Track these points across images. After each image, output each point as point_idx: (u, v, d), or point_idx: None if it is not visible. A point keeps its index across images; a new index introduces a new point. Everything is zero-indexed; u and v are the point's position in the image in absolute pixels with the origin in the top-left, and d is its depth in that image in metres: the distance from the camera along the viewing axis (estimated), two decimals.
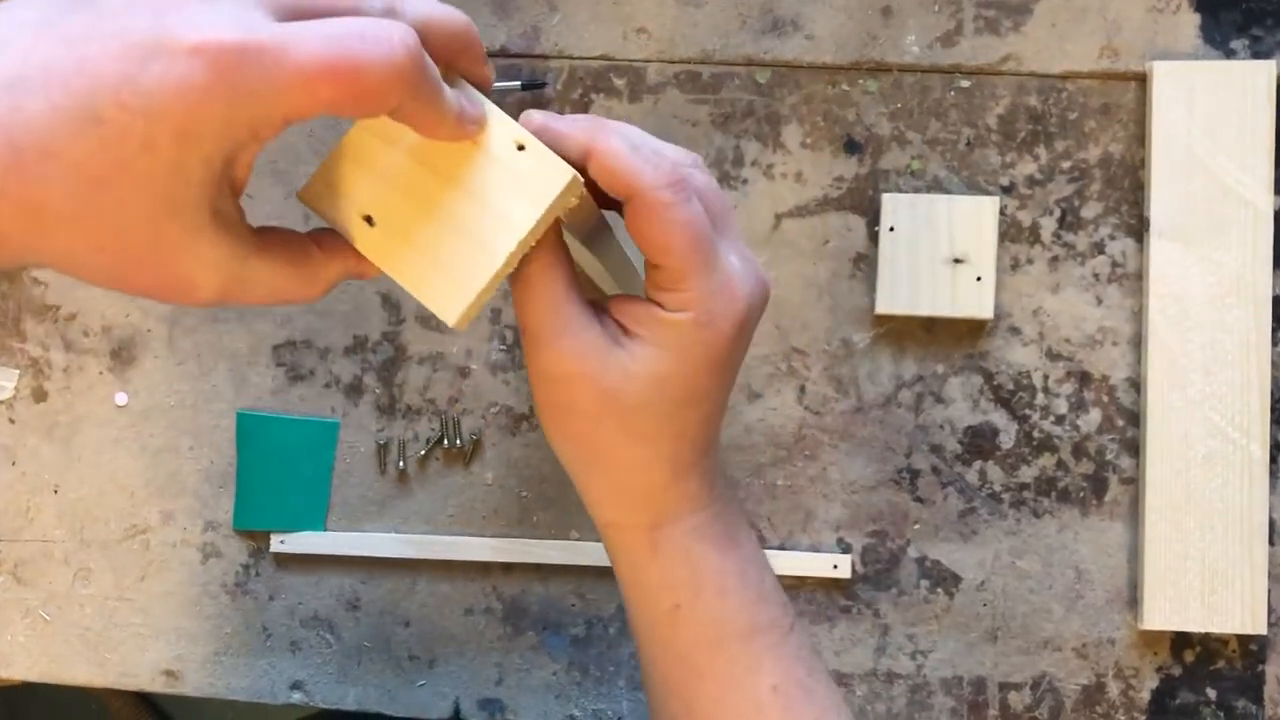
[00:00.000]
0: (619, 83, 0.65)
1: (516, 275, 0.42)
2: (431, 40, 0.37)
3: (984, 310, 0.62)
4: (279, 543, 0.65)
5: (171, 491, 0.66)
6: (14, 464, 0.66)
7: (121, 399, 0.66)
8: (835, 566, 0.63)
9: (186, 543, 0.65)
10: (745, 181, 0.64)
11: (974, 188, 0.63)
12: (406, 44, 0.34)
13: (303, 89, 0.33)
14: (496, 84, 0.64)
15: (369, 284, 0.65)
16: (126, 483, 0.66)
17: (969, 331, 0.63)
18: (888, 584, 0.63)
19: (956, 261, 0.62)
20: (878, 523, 0.63)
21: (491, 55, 0.65)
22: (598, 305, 0.45)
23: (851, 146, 0.64)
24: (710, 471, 0.47)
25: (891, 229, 0.62)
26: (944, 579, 0.63)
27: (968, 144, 0.64)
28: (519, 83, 0.64)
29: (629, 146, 0.40)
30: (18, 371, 0.66)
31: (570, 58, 0.65)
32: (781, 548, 0.64)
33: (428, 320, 0.65)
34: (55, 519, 0.66)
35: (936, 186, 0.64)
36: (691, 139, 0.64)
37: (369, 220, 0.39)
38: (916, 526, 0.63)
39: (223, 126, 0.33)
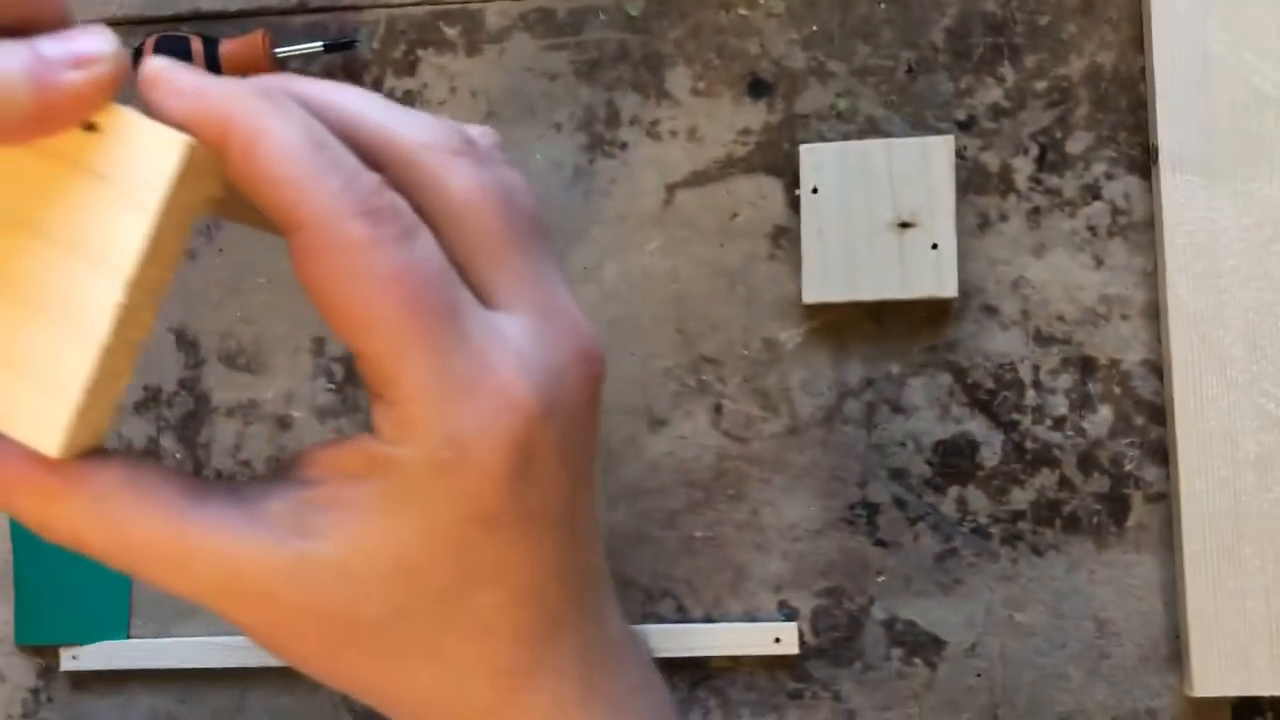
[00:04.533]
0: (451, 32, 0.50)
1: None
2: None
3: (945, 287, 0.46)
4: (71, 658, 0.51)
5: None
6: None
7: None
8: (778, 639, 0.48)
9: None
10: (624, 146, 0.49)
11: (921, 127, 0.48)
12: None
13: None
14: (294, 47, 0.49)
15: (159, 320, 0.51)
16: None
17: (929, 317, 0.48)
18: (849, 657, 0.48)
19: (904, 226, 0.47)
20: (830, 577, 0.48)
21: (288, 11, 0.51)
22: (276, 474, 0.27)
23: (757, 88, 0.49)
24: (573, 664, 0.29)
25: (815, 191, 0.47)
26: (921, 645, 0.48)
27: (908, 71, 0.48)
28: (322, 44, 0.49)
29: (296, 131, 0.24)
30: None
31: (388, 5, 0.50)
32: (707, 619, 0.49)
33: (233, 358, 0.51)
34: None
35: (873, 130, 0.48)
36: (551, 97, 0.49)
37: None
38: (881, 579, 0.48)
39: None
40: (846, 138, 0.48)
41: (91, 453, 0.24)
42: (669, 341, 0.49)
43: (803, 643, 0.48)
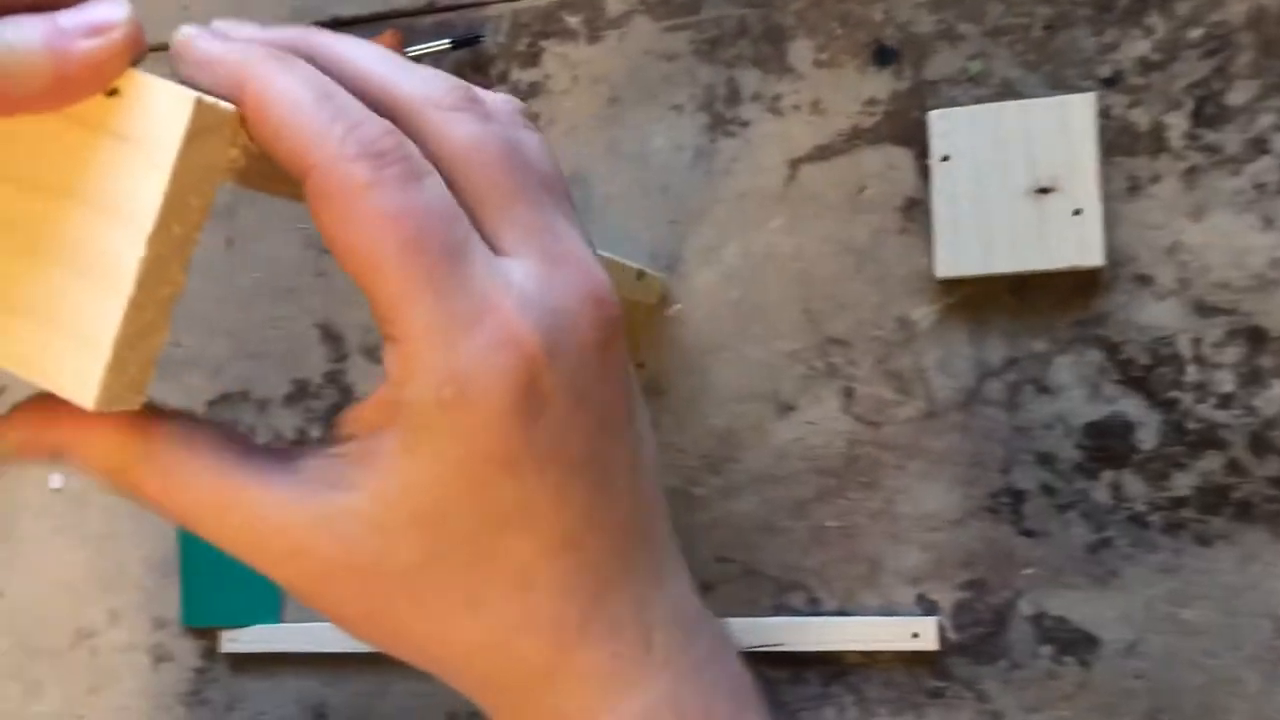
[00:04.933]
0: (574, 21, 0.50)
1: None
2: None
3: (1090, 255, 0.43)
4: (230, 641, 0.53)
5: (116, 585, 0.55)
6: None
7: (56, 482, 0.57)
8: (916, 634, 0.45)
9: (135, 646, 0.55)
10: (745, 124, 0.48)
11: (1061, 86, 0.45)
12: None
13: None
14: (423, 46, 0.50)
15: (303, 314, 0.53)
16: (69, 579, 0.56)
17: (1075, 289, 0.44)
18: (993, 654, 0.45)
19: (1043, 191, 0.43)
20: (971, 569, 0.45)
21: (418, 12, 0.52)
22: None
23: (883, 56, 0.47)
24: (629, 623, 0.28)
25: (946, 159, 0.45)
26: (1073, 642, 0.44)
27: (1046, 27, 0.45)
28: (449, 41, 0.50)
29: (303, 85, 0.24)
30: None
31: (511, 0, 0.51)
32: (841, 613, 0.46)
33: (374, 352, 0.52)
34: (3, 626, 0.57)
35: (1008, 93, 0.45)
36: (671, 79, 0.49)
37: None
38: (1028, 571, 0.45)
39: None
40: (980, 103, 0.45)
41: (149, 410, 0.26)
42: (795, 323, 0.47)
43: (943, 638, 0.45)
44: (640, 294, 0.46)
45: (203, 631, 0.54)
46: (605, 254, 0.42)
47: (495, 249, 0.26)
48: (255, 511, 0.25)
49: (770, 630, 0.47)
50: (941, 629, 0.45)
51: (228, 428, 0.28)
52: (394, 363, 0.25)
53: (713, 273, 0.48)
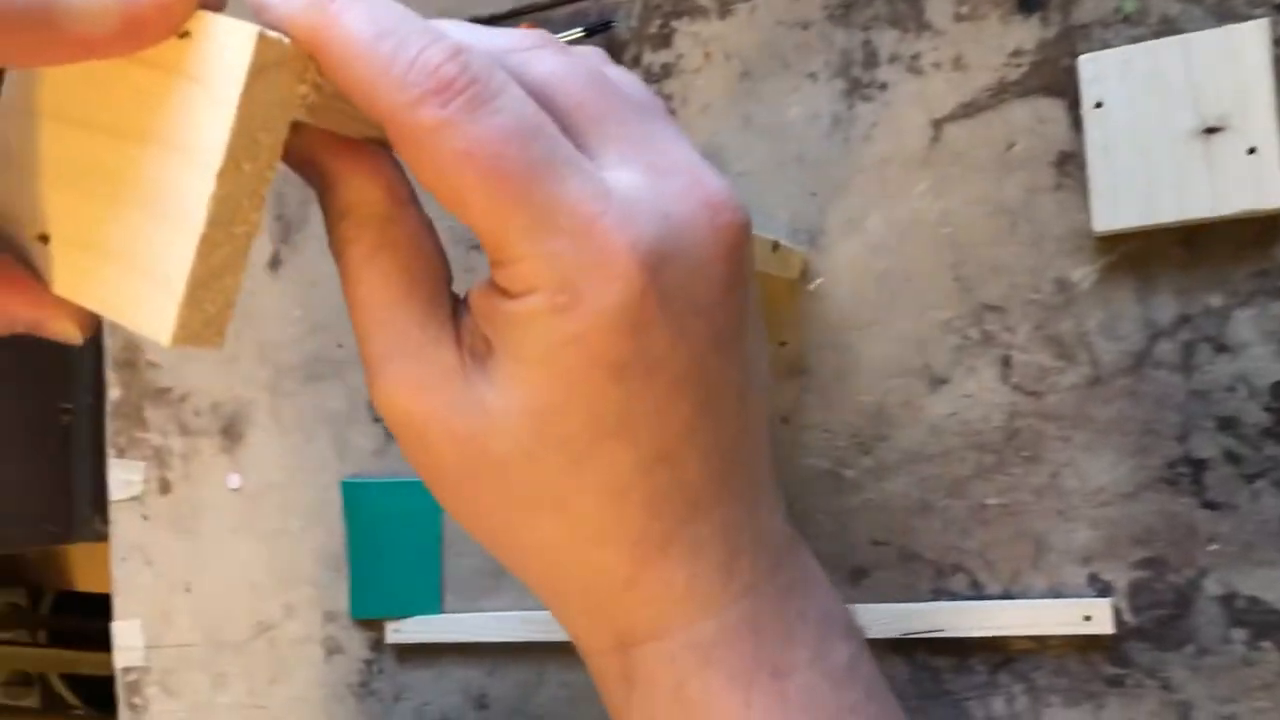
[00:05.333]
0: None
1: (338, 263, 0.28)
2: None
3: (1269, 198, 0.39)
4: (394, 631, 0.54)
5: (290, 580, 0.57)
6: (150, 564, 0.61)
7: (234, 481, 0.59)
8: (1088, 617, 0.42)
9: (309, 638, 0.57)
10: (884, 87, 0.46)
11: (1228, 18, 0.41)
12: None
13: None
14: (557, 35, 0.50)
15: None
16: (249, 575, 0.58)
17: (1254, 236, 0.40)
18: (1177, 639, 0.41)
19: (1210, 131, 0.40)
20: (1149, 546, 0.42)
21: (553, 5, 0.52)
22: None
23: (1028, 2, 0.44)
24: (712, 546, 0.28)
25: (1099, 105, 0.42)
26: (1272, 626, 0.40)
27: None
28: (582, 29, 0.51)
29: (369, 29, 0.24)
30: (143, 464, 0.61)
31: None
32: (1006, 596, 0.44)
33: None
34: (191, 621, 0.60)
35: (1169, 30, 0.42)
36: (805, 49, 0.47)
37: (44, 239, 0.26)
38: (1213, 547, 0.41)
39: None
40: (1136, 43, 0.42)
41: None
42: (945, 291, 0.45)
43: (1119, 621, 0.42)
44: (777, 267, 0.45)
45: (370, 623, 0.55)
46: None
47: (598, 166, 0.26)
48: (411, 368, 0.27)
49: (930, 615, 0.44)
50: (1117, 611, 0.42)
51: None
52: (507, 282, 0.26)
53: (856, 244, 0.46)
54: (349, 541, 0.56)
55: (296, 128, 0.25)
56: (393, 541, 0.55)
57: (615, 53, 0.51)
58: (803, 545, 0.30)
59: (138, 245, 0.25)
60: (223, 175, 0.24)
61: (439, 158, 0.24)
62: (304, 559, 0.57)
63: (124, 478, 0.62)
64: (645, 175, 0.26)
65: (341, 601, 0.56)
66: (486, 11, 0.53)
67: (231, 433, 0.59)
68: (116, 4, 0.23)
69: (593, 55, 0.28)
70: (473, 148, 0.24)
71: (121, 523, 0.62)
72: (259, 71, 0.23)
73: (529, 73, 0.26)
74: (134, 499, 0.62)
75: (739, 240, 0.27)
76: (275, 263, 0.58)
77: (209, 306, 0.25)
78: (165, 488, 0.61)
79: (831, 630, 0.29)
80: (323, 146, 0.27)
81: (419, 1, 0.54)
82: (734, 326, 0.27)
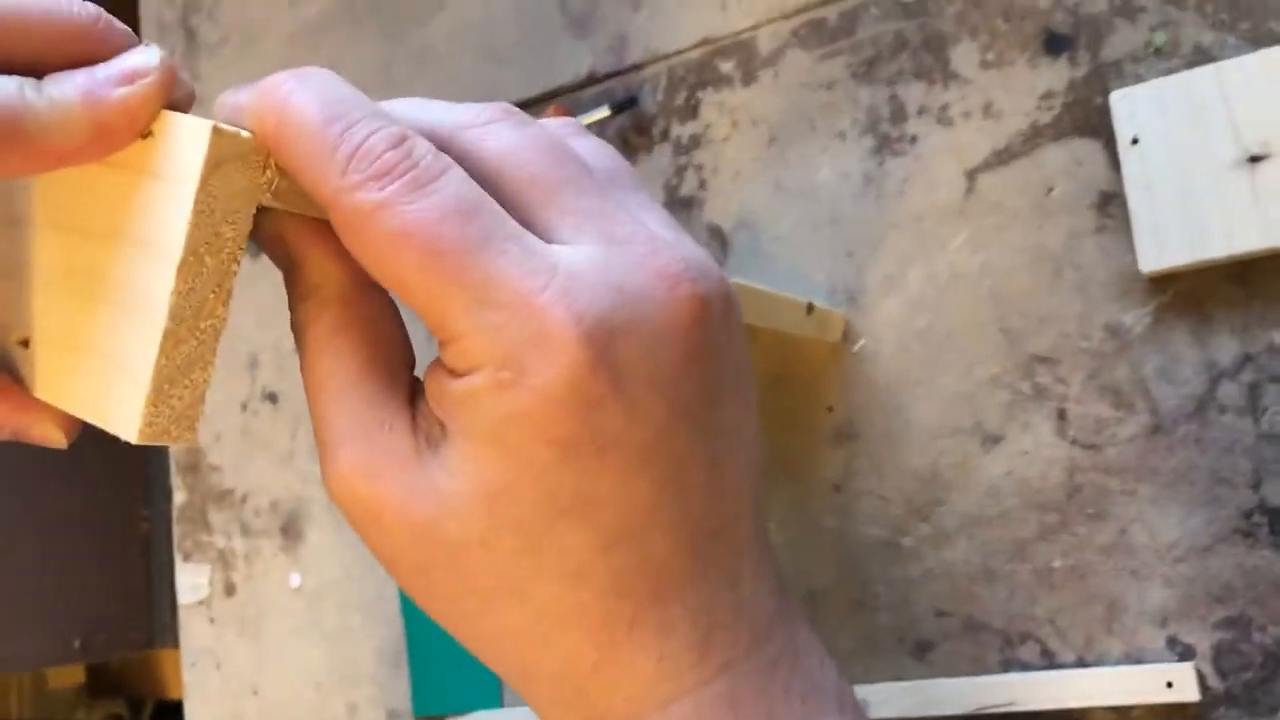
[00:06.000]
0: (727, 67, 0.49)
1: (297, 343, 0.28)
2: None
3: None
4: None
5: (353, 678, 0.57)
6: (219, 667, 0.61)
7: (295, 580, 0.59)
8: (1170, 684, 0.39)
9: None
10: (914, 140, 0.45)
11: (1262, 41, 0.39)
12: None
13: None
14: (585, 116, 0.51)
15: None
16: (312, 675, 0.58)
17: None
18: (1271, 704, 0.38)
19: (1254, 160, 0.38)
20: (1229, 604, 0.39)
21: (580, 86, 0.52)
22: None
23: (1055, 44, 0.43)
24: (684, 624, 0.26)
25: (1135, 141, 0.40)
26: None
27: None
28: (608, 107, 0.51)
29: (319, 113, 0.24)
30: (209, 566, 0.62)
31: (666, 57, 0.50)
32: (1080, 663, 0.41)
33: None
34: None
35: (1203, 59, 0.40)
36: (832, 109, 0.47)
37: (25, 344, 0.27)
38: None
39: None
40: (1170, 74, 0.40)
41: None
42: (992, 345, 0.43)
43: (1204, 687, 0.39)
44: (814, 330, 0.43)
45: None
46: (765, 289, 0.40)
47: (549, 240, 0.26)
48: (363, 451, 0.27)
49: (1000, 688, 0.42)
50: (1201, 676, 0.39)
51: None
52: (451, 360, 0.25)
53: (896, 302, 0.45)
54: (408, 638, 0.55)
55: (264, 210, 0.25)
56: (451, 639, 0.54)
57: (645, 129, 0.51)
58: (795, 615, 0.29)
59: (109, 342, 0.25)
60: (183, 269, 0.24)
61: (378, 239, 0.24)
62: (365, 656, 0.57)
63: (191, 581, 0.62)
64: (599, 247, 0.25)
65: (403, 699, 0.55)
66: (517, 96, 0.54)
67: (291, 531, 0.59)
68: (84, 113, 0.23)
69: (562, 126, 0.28)
70: (410, 228, 0.24)
71: (190, 627, 0.62)
72: (215, 166, 0.23)
73: (483, 148, 0.26)
74: (201, 603, 0.62)
75: (700, 311, 0.26)
76: None
77: (176, 402, 0.24)
78: (230, 590, 0.61)
79: (822, 706, 0.27)
80: (288, 228, 0.27)
81: (454, 85, 0.55)
82: (701, 398, 0.26)
